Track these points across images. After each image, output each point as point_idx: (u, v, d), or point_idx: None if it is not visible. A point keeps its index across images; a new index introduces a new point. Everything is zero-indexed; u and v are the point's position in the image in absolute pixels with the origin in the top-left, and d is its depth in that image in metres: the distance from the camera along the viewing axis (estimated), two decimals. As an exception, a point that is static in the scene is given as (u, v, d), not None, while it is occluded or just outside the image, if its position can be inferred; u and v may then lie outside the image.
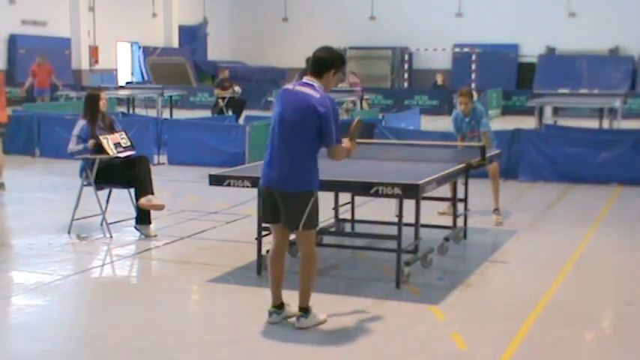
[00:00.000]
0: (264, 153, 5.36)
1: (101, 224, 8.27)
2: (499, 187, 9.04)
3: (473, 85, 27.76)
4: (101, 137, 8.02)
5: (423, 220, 6.73)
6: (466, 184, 8.28)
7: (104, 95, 8.38)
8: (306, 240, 5.40)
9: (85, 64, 27.62)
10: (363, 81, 24.31)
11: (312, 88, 5.21)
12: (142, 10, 31.16)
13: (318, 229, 5.50)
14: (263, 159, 5.42)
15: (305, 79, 5.29)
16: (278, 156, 5.21)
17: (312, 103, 5.11)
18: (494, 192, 8.99)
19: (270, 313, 5.51)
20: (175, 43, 32.66)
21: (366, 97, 22.82)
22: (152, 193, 8.05)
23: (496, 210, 8.92)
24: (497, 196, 9.01)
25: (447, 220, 7.85)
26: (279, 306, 5.53)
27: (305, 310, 5.43)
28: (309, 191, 5.25)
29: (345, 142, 5.44)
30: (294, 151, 5.17)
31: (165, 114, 20.13)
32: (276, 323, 5.48)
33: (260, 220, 6.61)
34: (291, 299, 5.89)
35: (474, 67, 30.10)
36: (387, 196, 6.06)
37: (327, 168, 7.10)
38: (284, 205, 5.28)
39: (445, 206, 8.90)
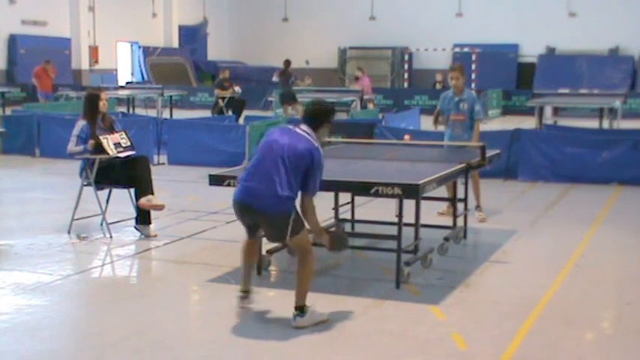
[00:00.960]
0: (245, 172, 5.57)
1: (101, 224, 8.27)
2: (479, 184, 9.03)
3: (473, 85, 27.76)
4: (101, 137, 8.01)
5: (423, 220, 6.73)
6: (466, 184, 8.29)
7: (104, 96, 8.37)
8: (297, 243, 5.53)
9: (85, 64, 27.64)
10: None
11: (310, 137, 5.48)
12: (142, 10, 31.17)
13: (305, 229, 5.55)
14: (243, 176, 5.57)
15: (304, 128, 5.52)
16: (268, 179, 5.36)
17: (314, 148, 5.40)
18: (475, 190, 8.98)
19: (242, 298, 5.72)
20: (175, 43, 32.67)
21: (372, 96, 22.84)
22: (152, 193, 8.05)
23: (478, 207, 8.94)
24: (478, 193, 9.01)
25: (447, 220, 7.85)
26: (247, 290, 5.75)
27: (301, 309, 5.47)
28: (289, 212, 5.41)
29: (325, 236, 5.67)
30: (285, 181, 5.35)
31: (165, 114, 20.13)
32: (245, 307, 5.69)
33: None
34: (289, 299, 5.89)
35: (473, 67, 30.11)
36: (387, 196, 6.06)
37: (327, 168, 7.11)
38: (265, 224, 5.53)
39: (445, 206, 8.91)
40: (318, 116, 5.56)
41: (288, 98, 20.14)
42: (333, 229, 6.00)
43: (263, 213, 5.41)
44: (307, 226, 5.56)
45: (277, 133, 5.59)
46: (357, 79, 23.08)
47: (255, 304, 5.90)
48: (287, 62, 20.94)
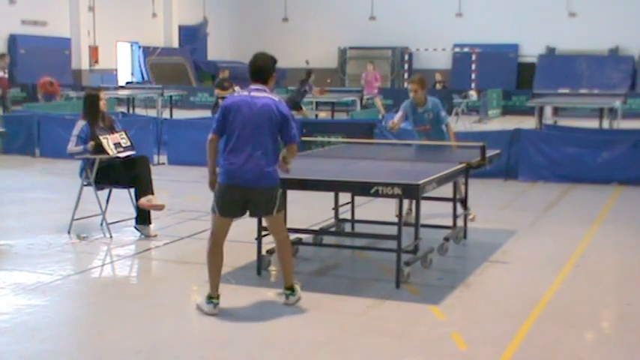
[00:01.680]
0: (225, 155, 5.66)
1: (101, 224, 8.27)
2: (466, 182, 8.91)
3: (473, 85, 27.77)
4: (101, 137, 8.01)
5: (422, 220, 6.73)
6: (466, 184, 8.28)
7: (103, 95, 8.37)
8: (279, 223, 5.87)
9: (85, 64, 27.63)
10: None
11: (267, 93, 5.68)
12: (142, 10, 31.16)
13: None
14: (226, 159, 5.65)
15: (254, 86, 5.69)
16: (250, 156, 5.57)
17: (274, 106, 5.61)
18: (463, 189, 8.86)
19: (215, 305, 5.70)
20: (175, 43, 32.66)
21: (379, 96, 22.76)
22: (152, 193, 8.06)
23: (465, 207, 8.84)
24: (466, 193, 8.89)
25: (447, 220, 7.84)
26: (218, 296, 5.74)
27: (292, 289, 5.84)
28: (278, 183, 5.76)
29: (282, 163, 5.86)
30: (265, 152, 5.59)
31: (165, 114, 20.14)
32: (217, 315, 5.65)
33: (260, 221, 6.62)
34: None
35: (473, 67, 30.11)
36: (387, 196, 6.06)
37: (327, 168, 7.11)
38: (258, 198, 5.68)
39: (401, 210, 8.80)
40: (265, 70, 5.72)
41: (292, 105, 19.69)
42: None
43: (255, 188, 5.61)
44: None
45: (239, 105, 5.62)
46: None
47: (255, 304, 5.90)
48: (308, 73, 20.05)
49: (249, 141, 5.57)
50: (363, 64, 30.00)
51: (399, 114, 8.92)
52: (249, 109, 5.60)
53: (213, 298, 5.72)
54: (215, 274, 5.76)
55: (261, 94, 5.65)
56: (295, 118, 5.76)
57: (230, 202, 5.71)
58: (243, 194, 5.65)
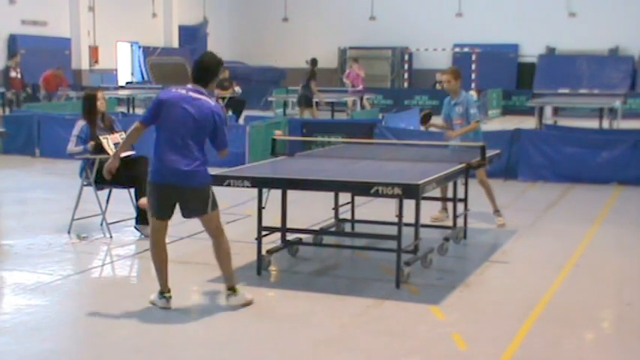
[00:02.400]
0: (158, 152, 5.63)
1: (101, 224, 8.27)
2: (491, 189, 8.89)
3: (473, 85, 27.76)
4: (101, 137, 8.01)
5: (423, 220, 6.73)
6: (466, 184, 8.28)
7: (101, 95, 8.34)
8: (214, 222, 5.83)
9: (85, 64, 27.61)
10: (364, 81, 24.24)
11: (205, 96, 5.68)
12: (142, 10, 31.15)
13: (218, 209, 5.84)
14: (158, 157, 5.67)
15: (193, 87, 5.68)
16: (181, 155, 5.57)
17: (211, 110, 5.64)
18: (488, 195, 8.85)
19: (168, 299, 5.80)
20: (175, 43, 32.65)
21: (366, 96, 22.78)
22: (152, 193, 8.04)
23: (496, 212, 8.85)
24: (493, 198, 8.90)
25: (447, 220, 7.84)
26: (169, 290, 5.83)
27: (234, 289, 5.81)
28: (209, 183, 5.78)
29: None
30: (196, 151, 5.62)
31: (165, 114, 20.07)
32: (171, 308, 5.75)
33: (260, 221, 6.63)
34: (289, 299, 5.90)
35: (473, 67, 30.08)
36: (387, 196, 6.05)
37: (327, 168, 7.11)
38: (188, 198, 5.68)
39: (437, 211, 8.82)
40: (208, 71, 5.71)
41: (303, 102, 19.13)
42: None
43: (185, 188, 5.61)
44: None
45: (176, 101, 5.60)
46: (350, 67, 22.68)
47: (255, 303, 5.90)
48: (313, 61, 19.39)
49: (184, 140, 5.56)
50: (363, 64, 30.02)
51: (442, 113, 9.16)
52: (186, 109, 5.57)
53: (164, 293, 5.80)
54: (161, 271, 5.83)
55: (200, 96, 5.64)
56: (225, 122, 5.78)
57: (162, 202, 5.70)
58: (174, 193, 5.65)
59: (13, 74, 19.64)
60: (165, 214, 5.76)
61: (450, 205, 8.31)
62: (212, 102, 5.68)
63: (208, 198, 5.71)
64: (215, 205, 5.79)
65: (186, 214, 5.84)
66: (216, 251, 5.88)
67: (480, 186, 8.82)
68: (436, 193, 6.94)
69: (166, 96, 5.68)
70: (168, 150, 5.57)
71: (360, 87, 22.63)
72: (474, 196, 9.16)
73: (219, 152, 5.82)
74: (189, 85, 5.70)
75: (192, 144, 5.59)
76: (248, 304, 5.84)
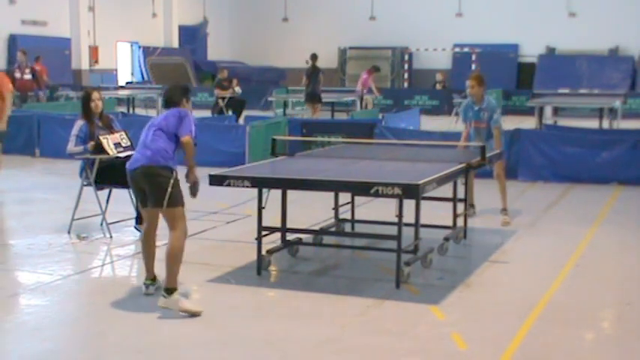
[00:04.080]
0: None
1: (101, 224, 8.27)
2: (505, 186, 8.96)
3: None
4: (101, 137, 8.01)
5: (423, 220, 6.73)
6: (466, 184, 8.29)
7: (95, 96, 8.25)
8: (172, 218, 5.81)
9: (85, 64, 27.61)
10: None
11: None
12: (142, 10, 31.16)
13: (183, 207, 5.89)
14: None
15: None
16: (143, 146, 5.99)
17: (174, 110, 6.11)
18: (501, 192, 8.90)
19: (147, 286, 6.12)
20: (175, 43, 32.65)
21: (367, 95, 22.77)
22: (152, 193, 8.04)
23: (504, 210, 8.86)
24: (505, 196, 8.92)
25: (447, 220, 7.84)
26: (153, 279, 6.13)
27: (168, 291, 5.68)
28: (168, 167, 5.88)
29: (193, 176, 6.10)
30: (159, 140, 5.97)
31: (165, 114, 20.06)
32: (152, 294, 5.98)
33: (260, 221, 6.63)
34: (289, 299, 5.89)
35: (473, 67, 30.06)
36: (387, 196, 6.05)
37: (327, 168, 7.11)
38: (147, 182, 5.85)
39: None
40: (172, 97, 6.19)
41: (311, 98, 18.93)
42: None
43: (142, 171, 5.83)
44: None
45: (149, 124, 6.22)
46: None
47: (255, 304, 5.90)
48: (314, 56, 19.18)
49: (149, 133, 6.04)
50: (363, 64, 30.01)
51: (464, 133, 9.16)
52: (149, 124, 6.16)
53: (146, 280, 6.12)
54: (146, 259, 6.13)
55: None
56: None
57: (134, 190, 6.13)
58: (138, 180, 5.91)
59: (17, 75, 19.58)
60: (140, 202, 6.17)
61: (474, 199, 8.29)
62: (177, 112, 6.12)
63: (166, 187, 5.80)
64: (173, 204, 5.81)
65: (150, 203, 5.96)
66: (167, 249, 5.81)
67: (496, 180, 8.86)
68: (436, 193, 6.92)
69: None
70: (139, 144, 6.16)
71: (371, 88, 22.71)
72: (475, 197, 9.17)
73: (181, 140, 6.01)
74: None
75: (158, 136, 6.01)
76: (187, 312, 5.63)
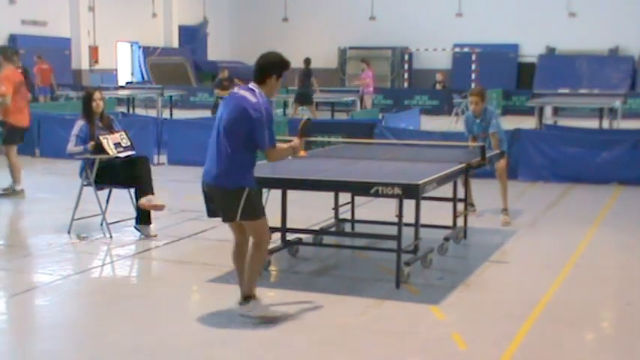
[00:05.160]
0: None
1: (101, 224, 8.27)
2: (507, 186, 8.96)
3: (473, 85, 27.76)
4: (101, 137, 8.01)
5: (423, 220, 6.73)
6: (466, 184, 8.28)
7: (97, 96, 8.29)
8: (250, 229, 5.54)
9: (85, 64, 27.63)
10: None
11: (251, 93, 5.40)
12: (142, 10, 31.17)
13: (264, 217, 5.56)
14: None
15: (250, 85, 5.50)
16: (214, 154, 5.43)
17: (245, 106, 5.32)
18: (503, 191, 8.90)
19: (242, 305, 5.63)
20: (175, 43, 32.66)
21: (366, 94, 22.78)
22: (152, 193, 8.05)
23: (504, 210, 8.87)
24: (505, 195, 8.92)
25: (447, 220, 7.84)
26: (250, 296, 5.62)
27: (246, 299, 5.55)
28: (241, 187, 5.39)
29: (295, 141, 5.65)
30: (228, 151, 5.36)
31: (165, 114, 20.14)
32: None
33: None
34: (289, 299, 5.89)
35: (473, 67, 30.11)
36: (387, 196, 6.06)
37: (327, 168, 7.12)
38: (217, 199, 5.52)
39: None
40: (261, 70, 5.48)
41: (302, 99, 19.88)
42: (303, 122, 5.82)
43: (215, 187, 5.47)
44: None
45: (222, 104, 5.57)
46: (363, 70, 22.93)
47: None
48: (307, 61, 20.17)
49: (217, 139, 5.41)
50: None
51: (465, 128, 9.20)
52: (226, 106, 5.47)
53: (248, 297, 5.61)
54: (238, 277, 5.73)
55: (244, 93, 5.42)
56: (273, 120, 5.52)
57: (205, 202, 5.69)
58: (210, 194, 5.58)
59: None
60: (211, 214, 5.69)
61: (474, 199, 8.34)
62: (254, 99, 5.34)
63: (238, 204, 5.36)
64: (248, 217, 5.42)
65: (221, 216, 5.62)
66: (249, 257, 5.60)
67: (498, 180, 8.86)
68: (437, 193, 6.93)
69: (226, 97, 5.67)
70: (208, 150, 5.50)
71: (371, 89, 22.68)
72: (475, 196, 9.17)
73: (265, 152, 5.47)
74: (249, 84, 5.49)
75: (226, 144, 5.34)
76: (269, 319, 5.52)
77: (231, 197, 5.39)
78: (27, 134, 14.50)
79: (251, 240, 5.59)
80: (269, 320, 5.50)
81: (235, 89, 5.61)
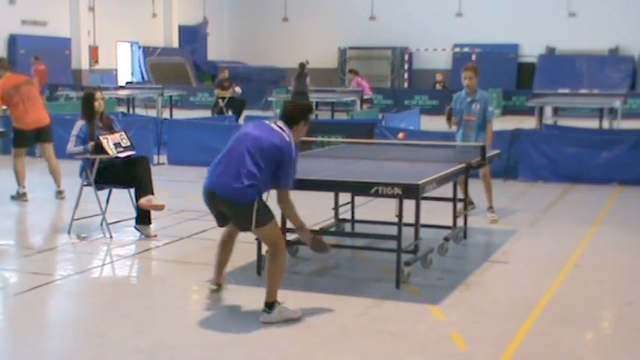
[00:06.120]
0: (218, 159, 5.66)
1: (101, 224, 8.27)
2: (491, 185, 8.99)
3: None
4: (101, 137, 8.01)
5: (423, 220, 6.73)
6: (466, 184, 8.28)
7: (99, 95, 8.32)
8: (265, 236, 5.62)
9: (85, 64, 27.65)
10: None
11: (285, 132, 5.57)
12: (142, 10, 31.18)
13: (273, 220, 5.62)
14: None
15: (279, 124, 5.64)
16: (235, 170, 5.47)
17: (284, 142, 5.49)
18: (487, 190, 8.95)
19: (214, 290, 5.96)
20: (175, 43, 32.68)
21: (365, 97, 22.81)
22: (152, 193, 8.05)
23: (490, 208, 8.92)
24: (490, 194, 8.98)
25: (447, 220, 7.84)
26: (219, 284, 5.97)
27: (269, 305, 5.53)
28: (252, 200, 5.47)
29: (309, 234, 5.87)
30: (253, 172, 5.44)
31: (165, 114, 20.14)
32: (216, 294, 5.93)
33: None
34: (289, 299, 5.89)
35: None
36: (387, 196, 6.06)
37: (327, 167, 7.11)
38: (229, 212, 5.62)
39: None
40: (293, 115, 5.70)
41: (301, 99, 19.95)
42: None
43: (226, 201, 5.53)
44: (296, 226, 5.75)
45: (251, 126, 5.78)
46: (351, 80, 23.08)
47: (255, 304, 5.89)
48: (302, 65, 20.49)
49: (244, 154, 5.48)
50: (363, 64, 30.04)
51: (447, 108, 9.13)
52: (263, 131, 5.58)
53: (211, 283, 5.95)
54: (218, 264, 6.01)
55: (276, 129, 5.57)
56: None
57: (209, 208, 5.84)
58: (217, 203, 5.64)
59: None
60: (217, 222, 5.91)
61: (470, 196, 8.41)
62: (289, 139, 5.51)
63: (251, 215, 5.45)
64: (262, 223, 5.50)
65: (235, 227, 5.87)
66: (268, 263, 5.66)
67: (482, 180, 8.87)
68: (437, 193, 6.93)
69: (248, 123, 6.01)
70: (220, 162, 5.64)
71: (370, 93, 22.75)
72: (475, 197, 9.17)
73: (278, 191, 5.57)
74: (279, 121, 5.69)
75: (243, 166, 5.45)
76: (291, 319, 5.52)
77: (245, 210, 5.48)
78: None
79: (268, 251, 5.65)
80: (291, 321, 5.54)
81: (268, 122, 5.74)
